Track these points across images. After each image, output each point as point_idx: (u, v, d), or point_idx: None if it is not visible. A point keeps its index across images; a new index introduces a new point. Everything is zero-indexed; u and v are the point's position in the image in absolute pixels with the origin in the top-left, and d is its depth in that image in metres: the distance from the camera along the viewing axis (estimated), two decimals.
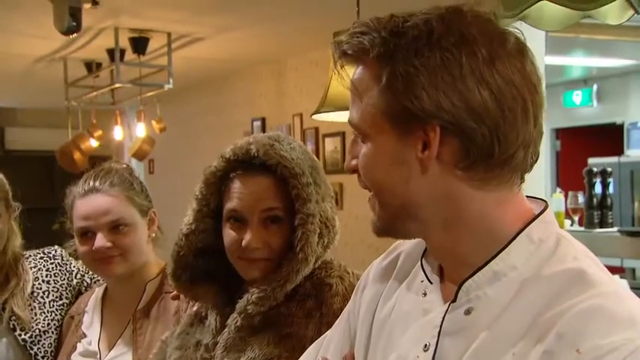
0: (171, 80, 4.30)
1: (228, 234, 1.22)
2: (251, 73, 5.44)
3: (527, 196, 0.84)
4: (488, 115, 0.74)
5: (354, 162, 0.83)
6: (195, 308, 1.33)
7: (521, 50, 0.78)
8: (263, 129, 5.25)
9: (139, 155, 5.05)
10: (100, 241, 1.53)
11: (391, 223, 0.82)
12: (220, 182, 1.24)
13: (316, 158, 1.29)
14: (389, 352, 0.85)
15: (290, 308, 1.20)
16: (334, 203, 1.29)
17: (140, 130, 4.92)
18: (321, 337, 1.05)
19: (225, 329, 1.21)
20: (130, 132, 5.53)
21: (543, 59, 3.24)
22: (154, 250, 1.64)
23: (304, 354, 1.05)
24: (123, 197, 1.57)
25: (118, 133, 5.21)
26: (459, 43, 0.75)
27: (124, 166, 1.68)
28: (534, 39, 3.05)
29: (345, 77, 0.82)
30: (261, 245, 1.19)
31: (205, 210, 1.26)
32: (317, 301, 1.20)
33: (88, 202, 1.56)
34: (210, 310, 1.28)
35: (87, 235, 1.55)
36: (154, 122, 4.99)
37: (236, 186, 1.22)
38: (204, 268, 1.29)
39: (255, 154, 1.19)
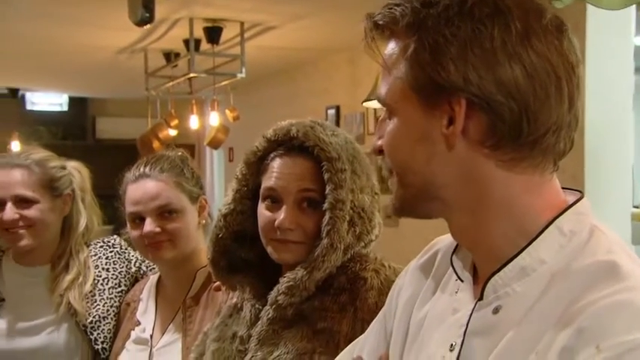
0: (243, 69, 4.33)
1: (263, 214, 1.21)
2: (325, 62, 5.41)
3: (563, 188, 0.78)
4: (518, 90, 0.71)
5: (379, 142, 0.80)
6: (234, 299, 1.33)
7: (559, 26, 0.74)
8: (337, 117, 5.22)
9: (214, 144, 5.13)
10: (149, 225, 1.55)
11: (411, 202, 0.79)
12: (260, 162, 1.23)
13: (362, 151, 1.26)
14: (421, 353, 0.82)
15: (324, 302, 1.17)
16: (377, 199, 1.25)
17: (214, 119, 4.99)
18: (359, 337, 1.01)
19: (259, 322, 1.20)
20: (205, 121, 5.63)
21: (632, 40, 3.02)
22: (204, 238, 1.64)
23: (340, 354, 1.02)
24: (172, 183, 1.58)
25: (194, 122, 5.31)
26: (493, 14, 0.72)
27: (179, 153, 1.69)
28: (621, 17, 2.85)
29: (375, 51, 0.79)
30: (295, 227, 1.18)
31: (244, 190, 1.25)
32: (351, 296, 1.17)
33: (138, 187, 1.58)
34: (246, 301, 1.27)
35: (137, 220, 1.57)
36: (227, 111, 5.05)
37: (275, 165, 1.21)
38: (242, 256, 1.28)
39: (295, 135, 1.19)
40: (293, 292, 1.15)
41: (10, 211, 1.65)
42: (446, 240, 0.89)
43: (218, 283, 1.43)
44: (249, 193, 1.25)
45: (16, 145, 6.24)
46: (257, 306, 1.23)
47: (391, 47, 0.77)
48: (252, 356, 1.17)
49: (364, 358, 0.94)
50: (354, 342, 1.01)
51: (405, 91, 0.75)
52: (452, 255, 0.84)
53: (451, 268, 0.84)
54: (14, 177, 1.68)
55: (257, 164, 1.24)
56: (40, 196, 1.70)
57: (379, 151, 0.81)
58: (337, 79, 5.31)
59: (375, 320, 0.98)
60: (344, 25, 4.33)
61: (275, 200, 1.20)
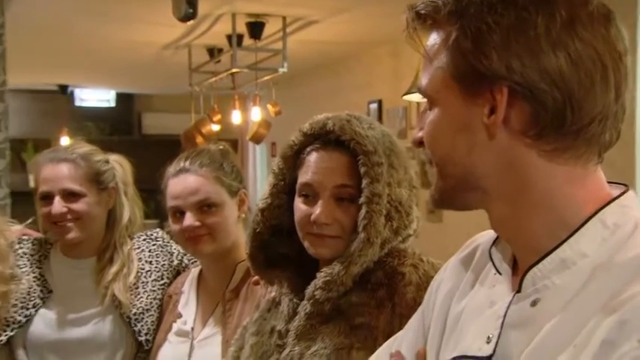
0: (285, 64, 4.34)
1: (299, 208, 1.21)
2: (367, 55, 5.38)
3: (609, 182, 0.76)
4: (563, 78, 0.70)
5: (420, 133, 0.80)
6: (272, 294, 1.33)
7: (606, 15, 0.73)
8: (379, 111, 5.19)
9: (256, 139, 5.16)
10: (189, 220, 1.57)
11: (450, 193, 0.79)
12: (296, 156, 1.23)
13: (400, 145, 1.24)
14: (458, 345, 0.81)
15: (361, 297, 1.17)
16: (415, 193, 1.24)
17: (256, 114, 5.02)
18: (398, 333, 1.01)
19: (297, 316, 1.20)
20: (247, 116, 5.66)
21: None
22: (244, 231, 1.65)
23: (379, 349, 1.01)
24: (211, 177, 1.60)
25: (236, 117, 5.35)
26: (537, 1, 0.71)
27: (220, 147, 1.71)
28: None
29: (417, 42, 0.78)
30: (331, 221, 1.17)
31: (281, 185, 1.25)
32: (389, 291, 1.16)
33: (178, 181, 1.60)
34: (283, 295, 1.27)
35: (178, 214, 1.59)
36: (269, 106, 5.07)
37: (311, 159, 1.21)
38: (280, 250, 1.28)
39: (331, 129, 1.18)
40: (330, 287, 1.15)
41: (59, 205, 1.69)
42: (487, 235, 0.88)
43: (256, 277, 1.45)
44: (285, 187, 1.25)
45: (65, 141, 6.39)
46: (295, 300, 1.23)
47: (433, 37, 0.77)
48: (290, 351, 1.18)
49: (403, 353, 0.93)
50: (392, 337, 1.00)
51: (446, 81, 0.74)
52: (490, 247, 0.83)
53: (490, 261, 0.83)
54: (62, 171, 1.71)
55: (293, 158, 1.24)
56: (87, 190, 1.73)
57: (419, 143, 0.80)
58: (379, 72, 5.27)
59: (414, 315, 0.97)
60: (386, 17, 4.29)
61: (311, 195, 1.20)
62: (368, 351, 1.05)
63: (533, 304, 0.73)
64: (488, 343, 0.75)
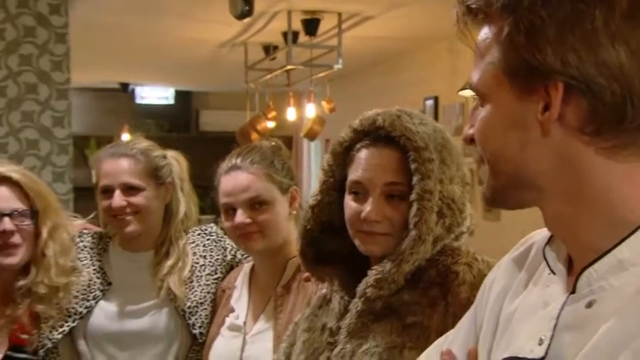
0: (340, 60, 4.33)
1: (349, 205, 1.20)
2: (424, 51, 5.32)
3: None
4: (622, 72, 0.67)
5: (471, 131, 0.78)
6: (323, 290, 1.33)
7: None
8: (435, 108, 5.12)
9: (310, 135, 5.17)
10: (240, 217, 1.59)
11: (503, 192, 0.77)
12: (346, 153, 1.22)
13: (453, 141, 1.23)
14: (509, 346, 0.80)
15: (413, 296, 1.16)
16: (469, 190, 1.22)
17: (310, 110, 5.03)
18: (449, 331, 0.99)
19: (348, 314, 1.20)
20: (302, 113, 5.69)
21: None
22: (296, 228, 1.65)
23: (431, 346, 1.00)
24: (262, 174, 1.61)
25: (291, 114, 5.38)
26: None
27: (272, 143, 1.72)
28: None
29: (468, 36, 0.76)
30: (381, 218, 1.17)
31: (331, 181, 1.25)
32: (442, 290, 1.15)
33: (229, 179, 1.62)
34: (334, 293, 1.27)
35: (230, 211, 1.61)
36: (323, 103, 5.07)
37: (360, 157, 1.20)
38: (331, 247, 1.28)
39: (381, 125, 1.17)
40: (381, 284, 1.14)
41: (119, 198, 1.72)
42: (541, 233, 0.86)
43: (307, 274, 1.44)
44: (335, 184, 1.25)
45: (126, 137, 6.57)
46: (345, 298, 1.22)
47: (484, 32, 0.75)
48: (342, 348, 1.17)
49: (454, 351, 0.92)
50: (444, 335, 0.99)
51: (498, 77, 0.73)
52: (544, 247, 0.81)
53: (544, 260, 0.80)
54: (122, 166, 1.75)
55: (343, 155, 1.23)
56: (146, 184, 1.76)
57: (470, 140, 0.79)
58: (436, 68, 5.20)
59: (466, 314, 0.95)
60: (443, 12, 4.20)
61: (361, 192, 1.19)
62: (420, 350, 1.03)
63: (589, 305, 0.71)
64: (540, 344, 0.73)
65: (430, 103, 5.22)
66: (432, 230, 1.14)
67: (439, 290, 1.15)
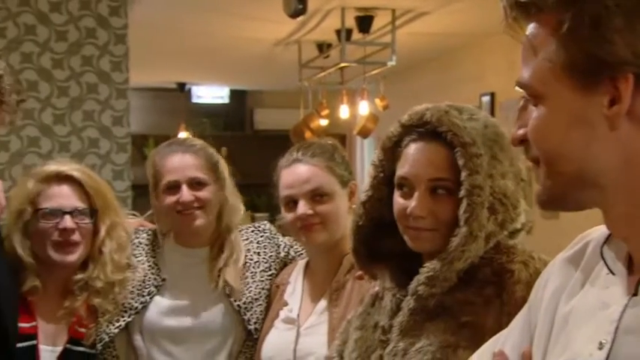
0: (394, 57, 4.31)
1: (397, 201, 1.20)
2: (479, 47, 5.23)
3: None
4: None
5: (520, 131, 0.76)
6: (376, 288, 1.33)
7: None
8: (492, 105, 5.03)
9: (363, 133, 5.17)
10: (302, 208, 1.61)
11: (562, 193, 0.74)
12: (395, 148, 1.22)
13: (507, 136, 1.19)
14: (566, 349, 0.77)
15: (467, 295, 1.14)
16: (524, 187, 1.19)
17: (363, 108, 5.02)
18: (502, 331, 0.97)
19: (400, 312, 1.19)
20: (355, 110, 5.69)
21: None
22: None
23: (483, 346, 0.98)
24: (323, 167, 1.64)
25: (344, 111, 5.38)
26: None
27: (329, 141, 1.75)
28: None
29: (517, 31, 0.74)
30: (427, 214, 1.16)
31: (381, 177, 1.25)
32: (497, 289, 1.13)
33: (290, 171, 1.65)
34: (387, 290, 1.26)
35: (290, 203, 1.63)
36: (377, 100, 5.06)
37: (407, 152, 1.20)
38: (383, 245, 1.28)
39: (429, 120, 1.16)
40: (433, 282, 1.14)
41: (187, 193, 1.74)
42: (597, 232, 0.83)
43: (360, 272, 1.45)
44: (386, 179, 1.24)
45: (183, 136, 6.71)
46: (398, 296, 1.22)
47: (536, 26, 0.73)
48: (394, 347, 1.17)
49: (506, 352, 0.90)
50: (497, 335, 0.97)
51: (556, 73, 0.70)
52: (602, 246, 0.78)
53: (602, 260, 0.78)
54: (187, 161, 1.77)
55: (392, 150, 1.23)
56: (209, 179, 1.78)
57: (520, 141, 0.76)
58: (492, 64, 5.11)
59: (519, 313, 0.93)
60: (499, 6, 4.13)
61: (408, 188, 1.18)
62: (474, 350, 1.02)
63: None
64: (600, 349, 0.71)
65: (486, 99, 5.13)
66: (483, 226, 1.12)
67: (494, 289, 1.14)
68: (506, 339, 0.92)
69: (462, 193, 1.12)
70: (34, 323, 1.68)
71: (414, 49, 5.29)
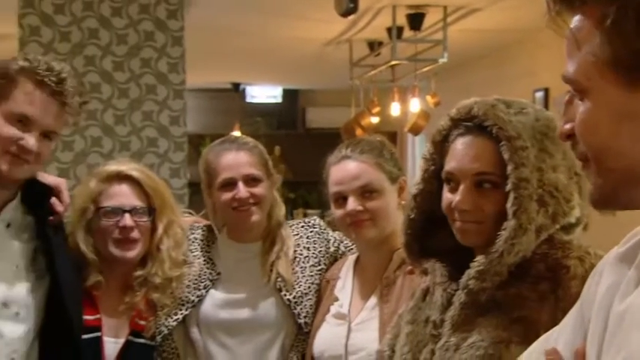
0: (445, 54, 4.28)
1: (445, 196, 1.21)
2: (532, 42, 5.13)
3: None
4: None
5: (567, 126, 0.75)
6: (427, 283, 1.33)
7: None
8: (545, 100, 4.94)
9: (414, 130, 5.15)
10: (352, 204, 1.62)
11: (613, 191, 0.73)
12: (445, 142, 1.23)
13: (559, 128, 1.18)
14: (622, 350, 0.75)
15: (521, 290, 1.14)
16: (577, 181, 1.18)
17: (414, 105, 5.01)
18: (554, 327, 0.96)
19: (451, 306, 1.19)
20: (406, 108, 5.67)
21: None
22: None
23: (534, 344, 0.97)
24: (372, 163, 1.65)
25: (395, 109, 5.38)
26: None
27: (378, 138, 1.76)
28: None
29: (561, 25, 0.73)
30: (472, 208, 1.17)
31: (432, 170, 1.25)
32: (552, 284, 1.12)
33: (340, 168, 1.66)
34: (437, 285, 1.26)
35: (340, 199, 1.65)
36: (428, 97, 5.03)
37: (454, 147, 1.20)
38: (435, 240, 1.28)
39: (476, 114, 1.17)
40: (484, 276, 1.13)
41: (243, 190, 1.78)
42: None
43: (411, 267, 1.46)
44: (436, 172, 1.25)
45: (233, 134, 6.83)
46: (448, 290, 1.21)
47: (580, 19, 0.71)
48: (446, 341, 1.16)
49: (559, 350, 0.88)
50: (548, 332, 0.95)
51: (601, 67, 0.69)
52: None
53: None
54: (243, 158, 1.81)
55: (442, 144, 1.23)
56: (263, 175, 1.82)
57: (567, 136, 0.75)
58: (545, 59, 5.01)
59: (572, 310, 0.91)
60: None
61: (454, 182, 1.19)
62: (528, 346, 1.00)
63: None
64: None
65: (540, 95, 5.03)
66: (533, 219, 1.11)
67: (549, 284, 1.13)
68: (559, 336, 0.90)
69: (509, 186, 1.12)
70: (97, 316, 1.75)
71: (466, 46, 5.24)
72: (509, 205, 1.11)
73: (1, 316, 1.50)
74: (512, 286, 1.14)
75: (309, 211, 5.88)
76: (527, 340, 1.04)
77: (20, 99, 1.48)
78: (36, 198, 1.57)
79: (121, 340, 1.76)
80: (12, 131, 1.47)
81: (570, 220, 1.17)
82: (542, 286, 1.13)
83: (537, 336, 1.00)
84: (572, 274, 1.12)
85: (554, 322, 1.02)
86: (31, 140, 1.48)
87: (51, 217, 1.63)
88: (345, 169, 1.65)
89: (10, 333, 1.51)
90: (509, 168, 1.12)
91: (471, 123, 1.18)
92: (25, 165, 1.51)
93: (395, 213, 1.65)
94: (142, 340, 1.78)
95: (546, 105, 4.91)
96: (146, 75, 3.23)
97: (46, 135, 1.52)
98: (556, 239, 1.17)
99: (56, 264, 1.59)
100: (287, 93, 8.47)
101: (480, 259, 1.14)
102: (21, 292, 1.54)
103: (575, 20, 0.72)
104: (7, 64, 1.50)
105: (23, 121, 1.48)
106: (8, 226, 1.54)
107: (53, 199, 1.63)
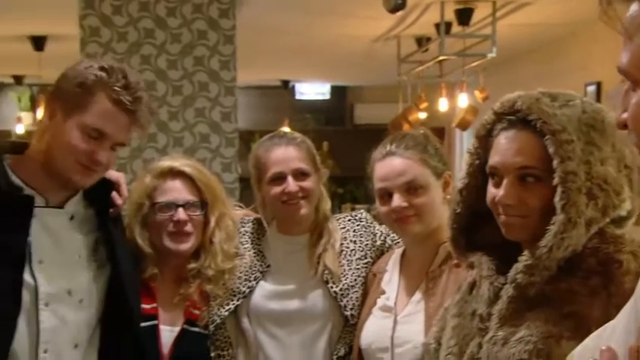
0: (494, 49, 4.24)
1: (489, 190, 1.21)
2: (583, 35, 5.03)
3: None
4: None
5: (624, 115, 0.74)
6: (473, 276, 1.33)
7: None
8: (598, 94, 4.83)
9: (462, 125, 5.12)
10: (397, 200, 1.64)
11: None
12: (489, 136, 1.22)
13: (610, 122, 1.16)
14: None
15: (571, 285, 1.12)
16: (627, 174, 1.16)
17: (462, 100, 4.98)
18: (607, 324, 0.95)
19: (499, 300, 1.18)
20: (453, 103, 5.63)
21: None
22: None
23: (587, 339, 0.96)
24: (417, 159, 1.65)
25: (443, 104, 5.35)
26: None
27: (422, 132, 1.76)
28: None
29: (612, 16, 0.73)
30: (515, 202, 1.15)
31: (477, 164, 1.25)
32: (604, 279, 1.11)
33: (384, 164, 1.67)
34: (484, 279, 1.25)
35: (385, 196, 1.67)
36: (476, 92, 4.99)
37: (498, 141, 1.19)
38: (481, 233, 1.27)
39: (520, 108, 1.15)
40: (532, 271, 1.12)
41: (293, 184, 1.82)
42: None
43: (457, 260, 1.44)
44: (481, 167, 1.23)
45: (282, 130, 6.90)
46: (495, 284, 1.20)
47: (634, 9, 0.71)
48: (494, 335, 1.15)
49: (613, 347, 0.84)
50: (601, 328, 0.94)
51: None
52: None
53: None
54: (292, 153, 1.84)
55: (486, 138, 1.22)
56: (311, 169, 1.86)
57: (624, 125, 0.74)
58: (598, 52, 4.91)
59: (625, 306, 0.89)
60: None
61: (498, 177, 1.18)
62: (579, 342, 0.99)
63: None
64: None
65: (592, 89, 4.93)
66: (582, 212, 1.10)
67: (600, 279, 1.11)
68: (612, 333, 0.89)
69: (556, 180, 1.10)
70: (154, 305, 1.81)
71: (515, 41, 5.17)
72: (557, 199, 1.10)
73: (66, 303, 1.55)
74: (562, 281, 1.12)
75: (357, 206, 5.90)
76: (579, 335, 1.02)
77: (96, 114, 1.51)
78: (97, 192, 1.63)
79: (177, 329, 1.82)
80: (87, 145, 1.51)
81: (621, 213, 1.15)
82: (593, 281, 1.11)
83: (588, 332, 0.98)
84: (625, 269, 1.10)
85: (607, 318, 1.00)
86: (104, 155, 1.53)
87: (111, 210, 1.69)
88: (389, 165, 1.66)
89: (74, 320, 1.56)
90: (555, 162, 1.11)
91: (515, 117, 1.17)
92: (94, 174, 1.57)
93: (440, 208, 1.66)
94: (196, 329, 1.83)
95: (599, 99, 4.81)
96: (199, 73, 3.29)
97: (115, 146, 1.58)
98: (607, 233, 1.15)
99: (117, 254, 1.64)
100: (335, 90, 8.50)
101: (528, 254, 1.13)
102: (84, 280, 1.60)
103: (630, 10, 0.71)
104: (84, 74, 1.54)
105: (97, 136, 1.52)
106: (72, 218, 1.60)
107: (113, 193, 1.69)
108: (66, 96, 1.53)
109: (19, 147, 1.63)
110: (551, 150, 1.12)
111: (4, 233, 1.48)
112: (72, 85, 1.53)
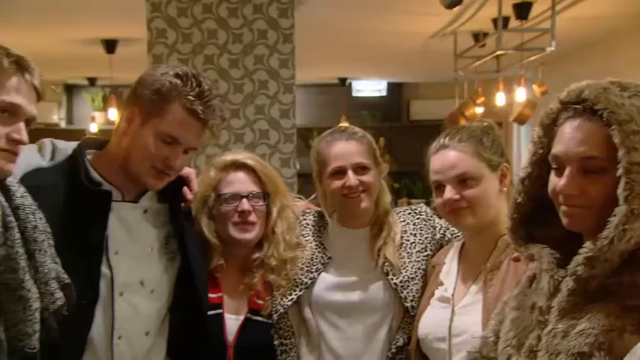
0: (553, 43, 4.16)
1: (550, 180, 1.19)
2: None
3: None
4: None
5: None
6: (532, 270, 1.31)
7: None
8: None
9: (520, 119, 5.05)
10: (448, 193, 1.67)
11: None
12: (553, 125, 1.20)
13: None
14: None
15: (635, 278, 1.09)
16: None
17: (521, 94, 4.92)
18: None
19: (559, 293, 1.17)
20: (511, 98, 5.56)
21: None
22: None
23: None
24: (470, 152, 1.68)
25: (500, 99, 5.29)
26: None
27: (484, 124, 1.77)
28: None
29: None
30: (577, 192, 1.14)
31: (540, 153, 1.23)
32: None
33: (438, 157, 1.71)
34: (544, 272, 1.23)
35: (439, 188, 1.70)
36: (534, 86, 4.92)
37: (562, 130, 1.17)
38: (542, 227, 1.26)
39: (587, 97, 1.13)
40: (593, 263, 1.10)
41: (353, 178, 1.86)
42: None
43: (517, 254, 1.45)
44: (545, 156, 1.21)
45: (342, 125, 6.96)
46: (555, 277, 1.18)
47: None
48: (553, 328, 1.14)
49: None
50: None
51: None
52: None
53: None
54: (352, 147, 1.89)
55: (551, 127, 1.20)
56: (371, 163, 1.90)
57: None
58: None
59: None
60: None
61: (560, 167, 1.17)
62: None
63: None
64: None
65: None
66: None
67: None
68: None
69: (620, 171, 1.08)
70: (220, 294, 1.88)
71: (575, 34, 5.07)
72: (620, 190, 1.08)
73: (139, 293, 1.63)
74: (626, 274, 1.10)
75: (413, 201, 5.90)
76: None
77: (171, 122, 1.58)
78: (169, 187, 1.70)
79: (241, 317, 1.88)
80: (163, 151, 1.59)
81: None
82: None
83: None
84: None
85: None
86: (178, 161, 1.62)
87: (182, 204, 1.77)
88: (442, 158, 1.69)
89: (146, 309, 1.64)
90: (621, 152, 1.08)
91: (581, 106, 1.14)
92: (167, 178, 1.65)
93: (496, 200, 1.67)
94: (259, 318, 1.89)
95: None
96: (259, 71, 3.37)
97: (188, 150, 1.65)
98: None
99: (187, 247, 1.71)
100: (392, 86, 8.49)
101: (588, 245, 1.11)
102: (155, 272, 1.67)
103: None
104: (160, 81, 1.59)
105: (171, 141, 1.60)
106: (145, 212, 1.68)
107: (184, 188, 1.77)
108: (143, 102, 1.60)
109: (101, 144, 1.72)
110: (617, 140, 1.09)
111: (83, 226, 1.56)
112: (149, 91, 1.59)
